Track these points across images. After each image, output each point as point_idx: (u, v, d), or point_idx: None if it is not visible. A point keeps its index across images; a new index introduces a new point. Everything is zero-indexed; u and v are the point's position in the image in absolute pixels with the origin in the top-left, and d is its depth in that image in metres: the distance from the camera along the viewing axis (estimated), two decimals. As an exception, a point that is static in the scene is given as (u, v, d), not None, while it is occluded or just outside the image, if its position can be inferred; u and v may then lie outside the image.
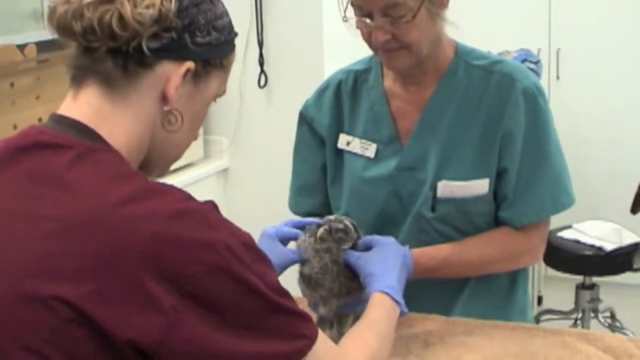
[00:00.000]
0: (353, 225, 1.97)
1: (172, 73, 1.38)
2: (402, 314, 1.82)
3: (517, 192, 2.16)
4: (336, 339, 1.99)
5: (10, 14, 3.68)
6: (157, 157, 1.46)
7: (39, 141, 1.35)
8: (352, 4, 2.07)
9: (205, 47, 1.41)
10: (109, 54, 1.36)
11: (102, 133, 1.36)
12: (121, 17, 1.33)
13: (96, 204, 1.26)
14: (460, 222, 2.18)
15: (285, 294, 1.38)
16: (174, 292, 1.23)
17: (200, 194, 4.35)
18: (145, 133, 1.41)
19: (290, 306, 1.37)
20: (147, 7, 1.34)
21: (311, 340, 1.39)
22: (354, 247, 1.95)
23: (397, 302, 1.81)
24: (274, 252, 1.95)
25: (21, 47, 3.38)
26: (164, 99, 1.39)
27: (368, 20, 2.04)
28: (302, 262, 1.98)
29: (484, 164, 2.15)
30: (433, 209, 2.17)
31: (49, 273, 1.23)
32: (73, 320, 1.21)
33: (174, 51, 1.38)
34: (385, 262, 1.90)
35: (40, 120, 3.20)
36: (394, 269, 1.89)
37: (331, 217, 1.99)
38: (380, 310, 1.77)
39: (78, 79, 1.40)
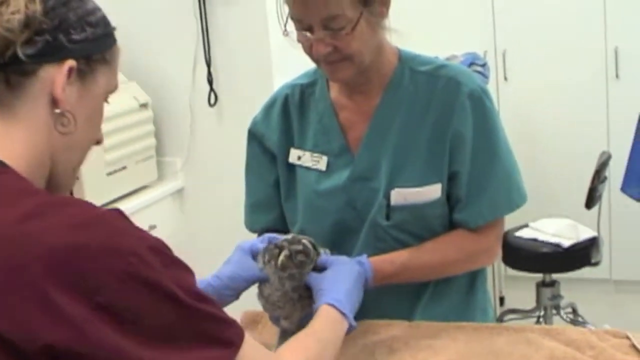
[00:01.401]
0: (311, 243, 1.94)
1: (56, 75, 1.36)
2: (350, 328, 1.80)
3: (470, 194, 2.17)
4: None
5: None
6: (61, 166, 1.43)
7: None
8: (292, 18, 2.06)
9: (83, 43, 1.39)
10: None
11: None
12: None
13: None
14: (415, 227, 2.19)
15: (205, 299, 1.34)
16: (85, 303, 1.20)
17: (156, 216, 4.33)
18: (42, 142, 1.38)
19: (211, 311, 1.34)
20: (13, 13, 1.32)
21: (236, 346, 1.36)
22: (314, 267, 1.94)
23: (344, 314, 1.79)
24: (243, 267, 1.94)
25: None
26: (53, 102, 1.37)
27: (308, 34, 2.05)
28: (262, 283, 1.96)
29: (435, 169, 2.16)
30: (388, 217, 2.18)
31: None
32: None
33: (52, 53, 1.36)
34: (335, 279, 1.89)
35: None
36: (344, 284, 1.87)
37: (289, 237, 1.96)
38: (324, 320, 1.76)
39: None
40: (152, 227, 4.16)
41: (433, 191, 2.16)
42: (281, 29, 2.08)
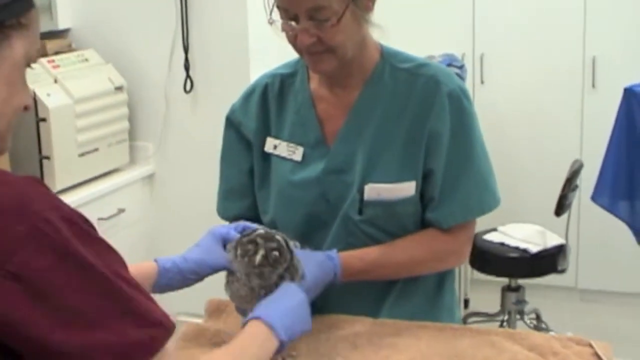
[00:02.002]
0: (285, 240, 1.93)
1: None
2: (281, 345, 1.71)
3: (443, 193, 2.17)
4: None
5: None
6: None
7: None
8: (278, 7, 2.06)
9: None
10: None
11: None
12: None
13: None
14: (387, 224, 2.19)
15: (134, 285, 1.31)
16: None
17: (127, 199, 4.32)
18: None
19: (137, 298, 1.30)
20: None
21: (167, 330, 1.33)
22: (291, 264, 1.92)
23: (272, 328, 1.70)
24: (212, 254, 1.95)
25: None
26: None
27: (293, 23, 2.05)
28: (231, 274, 1.96)
29: (410, 166, 2.16)
30: (360, 212, 2.17)
31: None
32: None
33: None
34: (276, 297, 1.83)
35: None
36: (283, 302, 1.80)
37: (262, 232, 1.94)
38: (246, 333, 1.68)
39: None
40: (121, 210, 4.15)
41: (407, 188, 2.16)
42: (267, 17, 2.06)
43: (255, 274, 1.89)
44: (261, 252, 1.89)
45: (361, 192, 2.16)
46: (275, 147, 2.27)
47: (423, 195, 2.19)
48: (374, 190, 2.16)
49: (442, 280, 2.33)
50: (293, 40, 2.09)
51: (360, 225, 2.18)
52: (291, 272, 1.92)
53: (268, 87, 2.31)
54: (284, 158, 2.26)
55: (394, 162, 2.16)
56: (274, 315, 1.73)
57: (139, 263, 1.93)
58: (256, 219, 2.27)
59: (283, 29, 2.09)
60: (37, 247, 1.20)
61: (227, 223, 2.17)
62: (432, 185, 2.17)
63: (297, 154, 2.24)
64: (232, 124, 2.35)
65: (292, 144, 2.25)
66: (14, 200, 1.23)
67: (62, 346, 1.21)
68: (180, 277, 1.93)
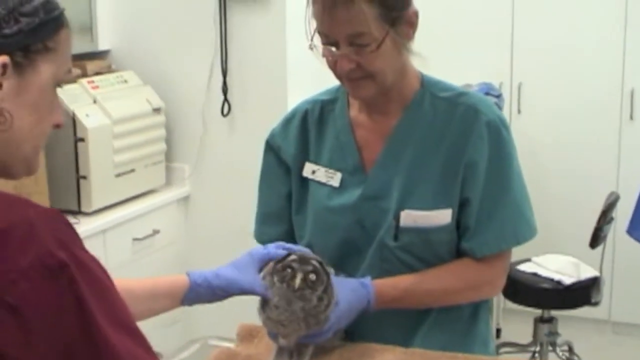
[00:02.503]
0: (320, 262, 1.95)
1: None
2: None
3: (479, 223, 2.17)
4: (296, 368, 2.00)
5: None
6: (8, 157, 1.38)
7: None
8: (319, 32, 2.08)
9: (17, 36, 1.32)
10: None
11: None
12: None
13: None
14: (422, 251, 2.18)
15: (132, 331, 1.29)
16: None
17: (162, 220, 4.34)
18: None
19: (137, 340, 1.28)
20: None
21: None
22: (328, 286, 1.94)
23: None
24: (246, 277, 1.96)
25: None
26: None
27: (334, 49, 2.06)
28: (267, 301, 1.96)
29: (447, 194, 2.16)
30: (396, 238, 2.17)
31: None
32: None
33: None
34: None
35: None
36: None
37: (296, 257, 1.96)
38: None
39: None
40: (156, 231, 4.17)
41: (443, 216, 2.16)
42: (307, 42, 2.08)
43: (297, 297, 1.91)
44: (299, 276, 1.91)
45: (397, 218, 2.16)
46: (313, 172, 2.28)
47: (459, 224, 2.19)
48: (410, 217, 2.15)
49: (477, 310, 2.31)
50: (333, 66, 2.10)
51: (395, 252, 2.18)
52: (329, 293, 1.94)
53: (308, 112, 2.33)
54: (321, 183, 2.26)
55: (431, 190, 2.16)
56: None
57: (171, 275, 1.96)
58: (293, 244, 2.28)
59: (323, 55, 2.10)
60: (40, 281, 1.18)
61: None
62: (468, 215, 2.17)
63: (335, 179, 2.25)
64: (271, 148, 2.37)
65: (330, 170, 2.26)
66: (25, 231, 1.21)
67: None
68: (209, 293, 1.94)
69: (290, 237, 2.33)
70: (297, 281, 1.91)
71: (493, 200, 2.16)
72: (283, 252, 1.99)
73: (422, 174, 2.17)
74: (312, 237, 2.26)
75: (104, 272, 1.28)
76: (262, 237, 2.38)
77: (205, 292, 1.94)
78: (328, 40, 2.06)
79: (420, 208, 2.15)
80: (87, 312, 1.20)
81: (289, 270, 1.93)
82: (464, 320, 2.29)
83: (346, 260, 2.20)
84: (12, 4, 1.33)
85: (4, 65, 1.31)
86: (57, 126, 1.44)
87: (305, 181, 2.30)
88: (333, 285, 1.96)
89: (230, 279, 1.94)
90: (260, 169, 2.40)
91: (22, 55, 1.33)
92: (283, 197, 2.34)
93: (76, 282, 1.20)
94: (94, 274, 1.25)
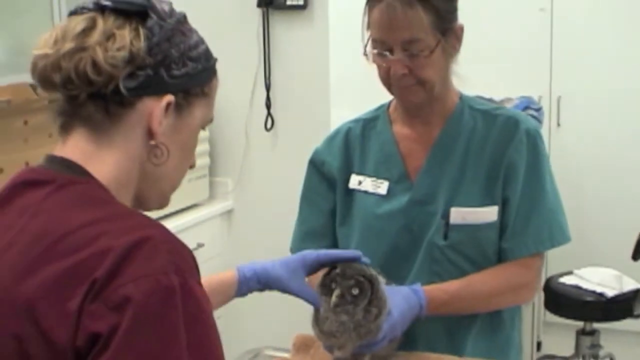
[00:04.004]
0: (363, 276, 1.96)
1: (154, 108, 1.40)
2: None
3: (517, 223, 2.24)
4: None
5: (23, 52, 3.74)
6: (149, 191, 1.47)
7: (26, 179, 1.40)
8: (374, 40, 2.17)
9: (183, 78, 1.42)
10: (90, 99, 1.38)
11: (89, 169, 1.39)
12: (95, 63, 1.35)
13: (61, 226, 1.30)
14: (471, 250, 2.24)
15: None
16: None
17: (205, 234, 4.38)
18: (133, 168, 1.42)
19: None
20: (118, 49, 1.36)
21: None
22: (373, 297, 1.96)
23: None
24: (292, 276, 2.00)
25: (34, 86, 3.44)
26: (149, 134, 1.41)
27: (388, 54, 2.14)
28: (317, 311, 1.99)
29: (491, 193, 2.24)
30: (446, 237, 2.24)
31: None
32: None
33: (152, 87, 1.39)
34: None
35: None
36: None
37: (337, 271, 1.98)
38: None
39: (65, 125, 1.42)
40: (200, 245, 4.21)
41: (490, 213, 2.23)
42: (362, 49, 2.16)
43: (339, 312, 1.94)
44: (336, 293, 1.94)
45: (446, 217, 2.23)
46: (360, 182, 2.34)
47: (500, 223, 2.26)
48: (459, 214, 2.22)
49: (514, 318, 2.38)
50: (385, 73, 2.18)
51: (445, 252, 2.24)
52: (377, 304, 1.96)
53: (351, 129, 2.40)
54: (369, 193, 2.32)
55: (477, 189, 2.24)
56: None
57: (221, 273, 2.03)
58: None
59: (374, 61, 2.18)
60: (146, 293, 1.23)
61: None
62: (507, 214, 2.25)
63: (382, 188, 2.31)
64: (314, 165, 2.43)
65: (377, 180, 2.32)
66: (149, 250, 1.27)
67: None
68: (258, 287, 2.01)
69: None
70: (333, 299, 1.94)
71: (530, 202, 2.24)
72: (332, 256, 2.03)
73: (467, 176, 2.25)
74: (359, 247, 2.29)
75: (210, 310, 1.32)
76: None
77: (254, 286, 2.01)
78: (383, 46, 2.15)
79: (468, 205, 2.22)
80: (175, 342, 1.25)
81: (332, 284, 1.97)
82: (504, 327, 2.34)
83: (395, 267, 2.25)
84: (184, 47, 1.43)
85: (169, 104, 1.41)
86: (191, 166, 1.55)
87: (350, 193, 2.36)
88: (384, 293, 1.99)
89: (280, 279, 2.00)
90: (302, 184, 2.46)
91: (183, 97, 1.43)
92: (325, 214, 2.40)
93: (177, 310, 1.25)
94: (198, 309, 1.29)
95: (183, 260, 1.30)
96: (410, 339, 2.22)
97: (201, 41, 1.50)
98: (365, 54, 2.19)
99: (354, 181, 2.35)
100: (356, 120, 2.42)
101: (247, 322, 4.44)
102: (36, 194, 1.36)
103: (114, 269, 1.23)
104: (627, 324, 4.49)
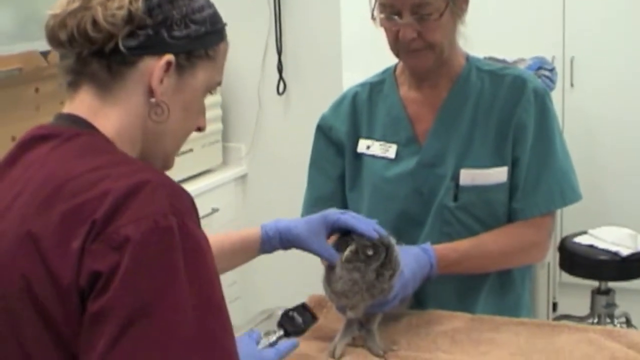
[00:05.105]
0: (382, 241, 1.97)
1: (155, 67, 1.44)
2: None
3: (528, 183, 2.25)
4: (365, 336, 2.03)
5: (33, 20, 3.73)
6: (152, 149, 1.51)
7: (34, 135, 1.45)
8: (382, 4, 2.17)
9: (184, 40, 1.45)
10: (93, 56, 1.43)
11: (94, 124, 1.44)
12: (95, 22, 1.40)
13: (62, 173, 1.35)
14: (481, 211, 2.25)
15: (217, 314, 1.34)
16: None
17: (220, 199, 4.38)
18: (136, 125, 1.46)
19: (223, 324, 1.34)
20: (118, 8, 1.40)
21: None
22: (387, 261, 1.96)
23: None
24: (313, 235, 2.02)
25: (44, 54, 3.44)
26: (150, 91, 1.45)
27: (397, 18, 2.13)
28: (330, 270, 2.00)
29: (501, 154, 2.25)
30: (456, 198, 2.25)
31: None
32: None
33: (153, 47, 1.44)
34: None
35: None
36: None
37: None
38: None
39: (73, 83, 1.47)
40: (215, 210, 4.23)
41: (500, 174, 2.24)
42: (370, 13, 2.16)
43: (352, 269, 1.94)
44: (350, 248, 1.95)
45: (456, 178, 2.24)
46: (368, 147, 2.34)
47: (510, 183, 2.26)
48: (468, 176, 2.23)
49: (524, 279, 2.40)
50: (393, 37, 2.18)
51: (455, 213, 2.24)
52: (390, 267, 1.96)
53: (358, 94, 2.41)
54: (377, 156, 2.32)
55: (486, 150, 2.25)
56: None
57: (245, 229, 2.10)
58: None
59: (382, 25, 2.18)
60: (144, 233, 1.26)
61: None
62: (517, 175, 2.25)
63: (391, 151, 2.31)
64: (322, 131, 2.43)
65: (385, 143, 2.31)
66: (148, 193, 1.30)
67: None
68: (280, 245, 2.05)
69: None
70: (346, 253, 1.95)
71: (540, 162, 2.25)
72: (353, 221, 2.02)
73: (476, 138, 2.26)
74: (369, 212, 2.31)
75: (210, 252, 1.34)
76: None
77: (276, 244, 2.05)
78: (392, 10, 2.15)
79: (477, 166, 2.23)
80: (174, 280, 1.27)
81: (348, 240, 1.98)
82: (514, 287, 2.36)
83: (406, 230, 2.26)
84: (187, 10, 1.46)
85: (169, 63, 1.44)
86: (200, 129, 1.58)
87: (359, 157, 2.36)
88: (397, 259, 1.99)
89: (302, 237, 2.03)
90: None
91: (185, 58, 1.46)
92: (333, 180, 2.40)
93: (175, 250, 1.28)
94: (197, 249, 1.32)
95: (181, 202, 1.33)
96: (420, 300, 2.23)
97: (208, 5, 1.52)
98: (373, 17, 2.18)
99: (362, 145, 2.35)
100: (362, 84, 2.42)
101: (261, 283, 4.45)
102: (43, 148, 1.41)
103: (113, 210, 1.27)
104: (642, 282, 4.49)
